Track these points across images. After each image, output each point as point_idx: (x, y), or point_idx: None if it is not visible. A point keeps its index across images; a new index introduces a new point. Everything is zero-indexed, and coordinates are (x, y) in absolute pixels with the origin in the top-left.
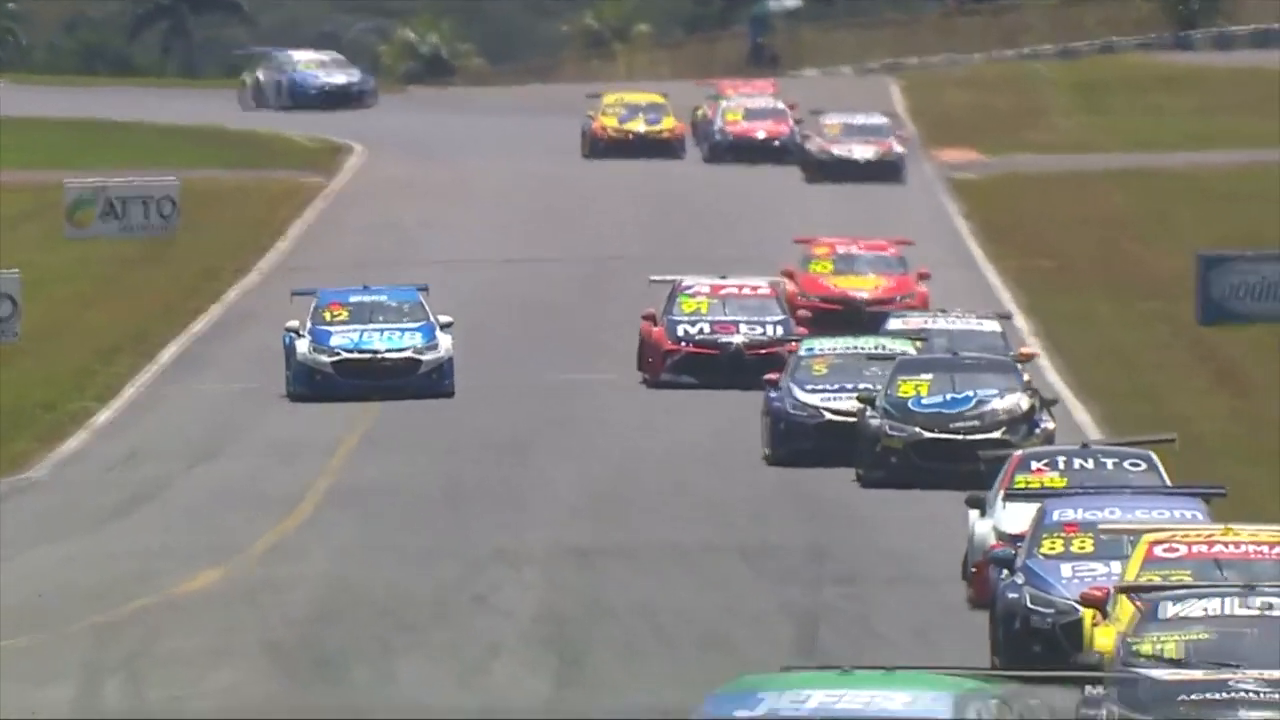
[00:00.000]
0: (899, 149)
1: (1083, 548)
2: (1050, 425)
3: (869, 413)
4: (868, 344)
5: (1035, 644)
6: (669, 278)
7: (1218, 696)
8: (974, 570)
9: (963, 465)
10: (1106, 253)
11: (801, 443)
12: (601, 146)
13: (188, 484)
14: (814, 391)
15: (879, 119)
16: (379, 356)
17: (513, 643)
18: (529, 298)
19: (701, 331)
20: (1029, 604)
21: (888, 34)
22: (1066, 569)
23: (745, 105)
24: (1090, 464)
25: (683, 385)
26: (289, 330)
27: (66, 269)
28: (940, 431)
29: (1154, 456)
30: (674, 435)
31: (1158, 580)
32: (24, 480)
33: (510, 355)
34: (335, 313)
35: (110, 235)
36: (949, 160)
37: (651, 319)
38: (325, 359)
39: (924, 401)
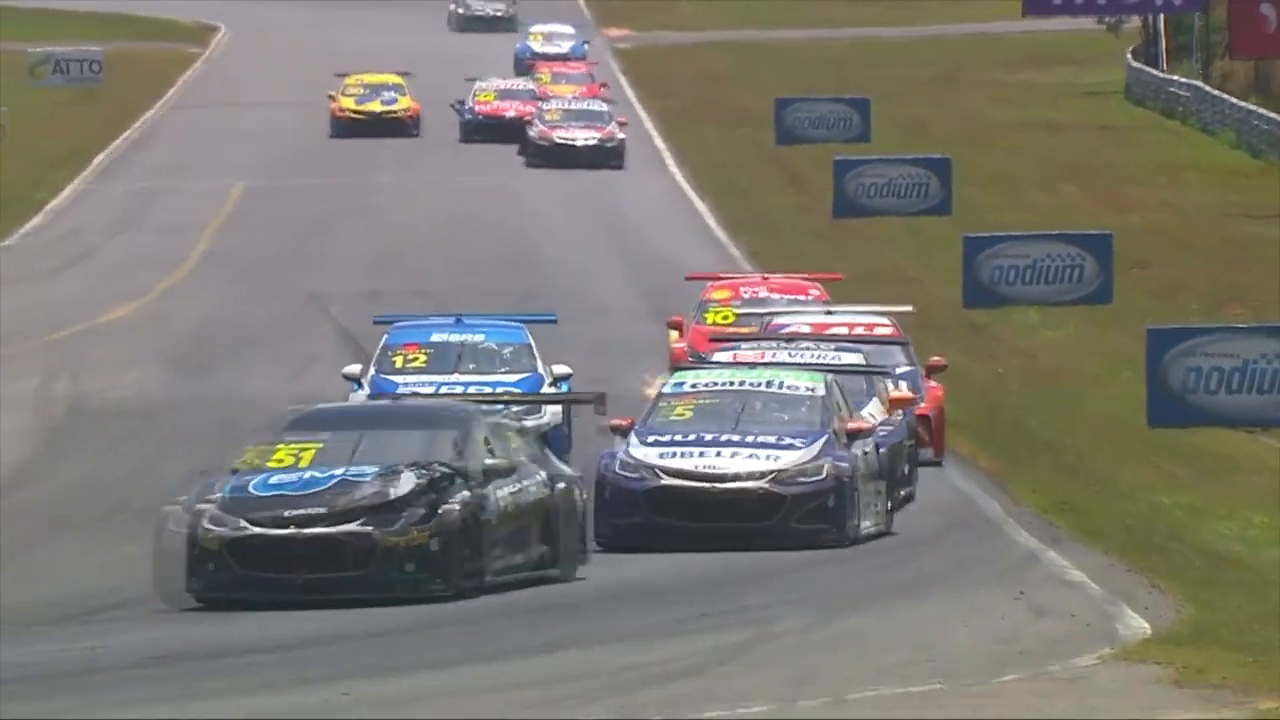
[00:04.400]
0: (620, 135)
1: None
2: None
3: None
4: (763, 378)
5: None
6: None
7: None
8: None
9: (294, 576)
10: (714, 97)
11: (627, 516)
12: (341, 126)
13: (108, 251)
14: (657, 445)
15: (599, 105)
16: None
17: (327, 353)
18: (322, 122)
19: None
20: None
21: None
22: None
23: (499, 88)
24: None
25: None
26: (349, 378)
27: (29, 107)
28: (271, 526)
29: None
30: (439, 213)
31: None
32: (2, 245)
33: (317, 164)
34: (410, 356)
35: (57, 85)
36: (612, 35)
37: None
38: None
39: (273, 480)
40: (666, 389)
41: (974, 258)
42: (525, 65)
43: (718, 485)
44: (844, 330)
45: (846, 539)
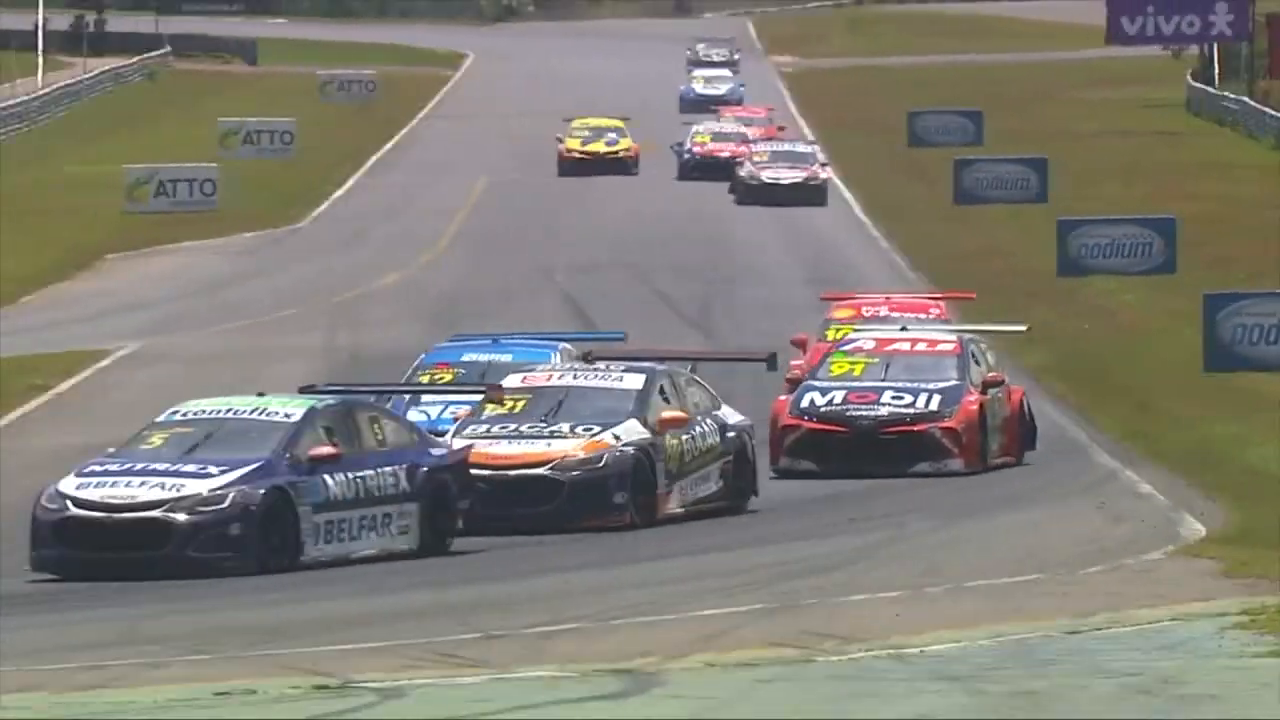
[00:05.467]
0: (822, 175)
1: None
2: None
3: None
4: (251, 405)
5: None
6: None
7: None
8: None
9: None
10: (858, 110)
11: (44, 548)
12: (568, 165)
13: (379, 232)
14: (92, 475)
15: (805, 147)
16: None
17: (551, 311)
18: (548, 148)
19: (832, 402)
20: None
21: None
22: None
23: (714, 130)
24: None
25: (801, 473)
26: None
27: (318, 119)
28: None
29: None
30: (644, 204)
31: None
32: (296, 228)
33: (546, 163)
34: (437, 375)
35: (340, 101)
36: (779, 60)
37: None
38: None
39: None
40: (160, 418)
41: (1065, 237)
42: (705, 108)
43: (113, 515)
44: (907, 346)
45: (254, 566)
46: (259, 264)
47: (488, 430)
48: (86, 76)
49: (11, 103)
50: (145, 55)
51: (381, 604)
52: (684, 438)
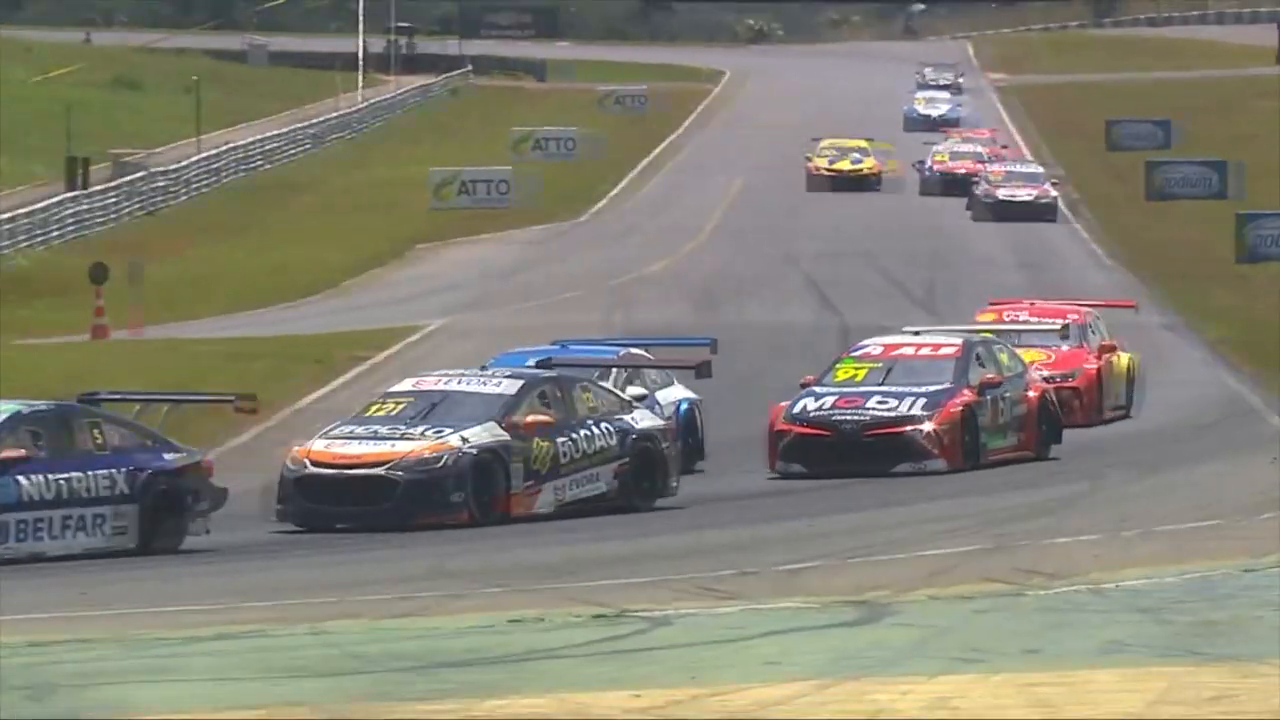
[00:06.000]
0: (1053, 193)
1: None
2: None
3: None
4: None
5: None
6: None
7: None
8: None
9: None
10: (1063, 119)
11: None
12: (815, 182)
13: (649, 225)
14: None
15: (1036, 167)
16: None
17: (797, 293)
18: (795, 154)
19: (822, 408)
20: None
21: (981, 19)
22: None
23: (952, 149)
24: None
25: (794, 475)
26: None
27: (597, 127)
28: None
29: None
30: (874, 202)
31: None
32: (578, 222)
33: (792, 166)
34: None
35: (616, 113)
36: (994, 77)
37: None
38: None
39: None
40: None
41: (1244, 228)
42: (930, 128)
43: None
44: (910, 350)
45: None
46: (546, 253)
47: (351, 431)
48: (399, 92)
49: (336, 115)
50: (449, 74)
51: (651, 545)
52: (560, 440)
